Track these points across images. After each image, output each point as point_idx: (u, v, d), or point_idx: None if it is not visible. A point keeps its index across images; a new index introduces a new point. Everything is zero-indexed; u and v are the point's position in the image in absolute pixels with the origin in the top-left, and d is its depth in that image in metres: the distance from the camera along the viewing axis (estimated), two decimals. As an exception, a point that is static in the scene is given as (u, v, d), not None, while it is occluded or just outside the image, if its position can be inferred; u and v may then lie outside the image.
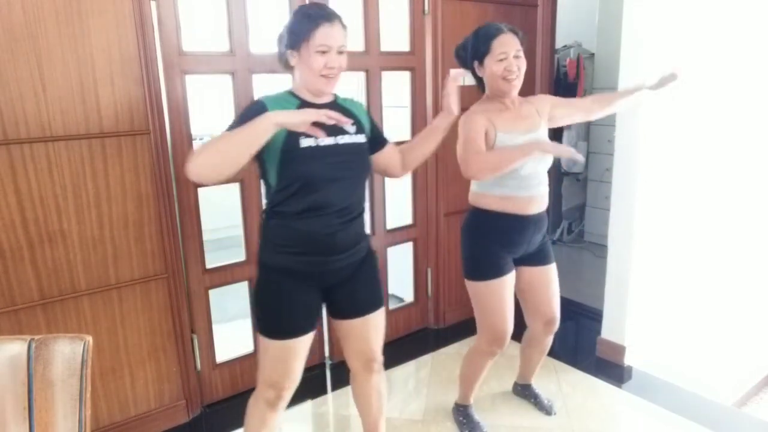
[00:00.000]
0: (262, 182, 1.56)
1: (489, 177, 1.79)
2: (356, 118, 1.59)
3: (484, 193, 1.89)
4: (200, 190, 2.25)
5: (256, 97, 1.61)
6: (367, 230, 1.72)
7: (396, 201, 2.95)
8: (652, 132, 2.45)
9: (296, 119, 1.34)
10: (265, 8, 2.38)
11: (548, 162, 1.88)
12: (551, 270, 2.03)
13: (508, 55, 1.77)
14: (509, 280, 1.93)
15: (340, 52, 1.47)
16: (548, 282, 2.03)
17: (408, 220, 2.96)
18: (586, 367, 2.65)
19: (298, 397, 2.44)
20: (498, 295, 1.91)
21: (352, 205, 1.56)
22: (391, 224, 2.88)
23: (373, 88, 2.64)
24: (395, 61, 2.72)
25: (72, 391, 1.09)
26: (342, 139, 1.52)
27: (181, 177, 2.17)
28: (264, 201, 1.59)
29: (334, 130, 1.46)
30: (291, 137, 1.43)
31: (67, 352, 1.10)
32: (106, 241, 1.99)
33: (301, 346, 1.58)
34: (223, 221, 2.95)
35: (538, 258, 2.00)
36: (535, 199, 1.87)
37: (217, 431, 2.26)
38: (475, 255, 1.93)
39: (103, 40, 1.87)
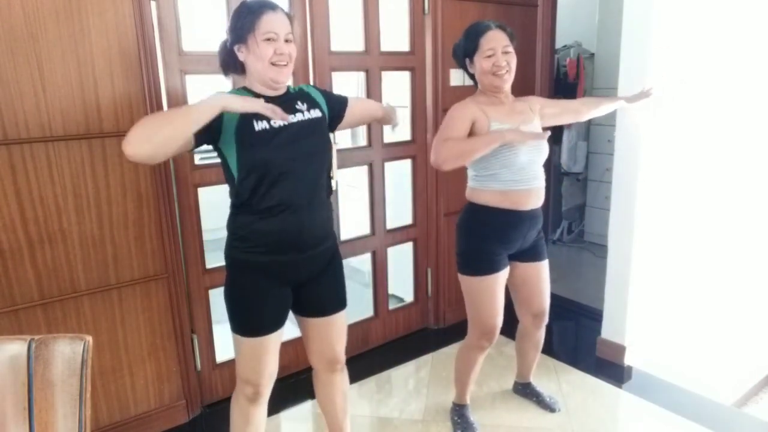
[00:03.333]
0: (226, 180, 1.55)
1: (454, 166, 1.79)
2: (307, 95, 1.62)
3: (482, 189, 1.90)
4: (200, 190, 2.25)
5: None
6: (339, 233, 1.74)
7: (396, 201, 2.95)
8: (652, 132, 2.45)
9: (240, 104, 1.36)
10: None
11: (545, 153, 1.90)
12: (544, 266, 2.07)
13: (496, 50, 1.80)
14: (502, 276, 1.96)
15: (288, 41, 1.47)
16: (540, 278, 2.06)
17: (408, 220, 2.96)
18: (586, 367, 2.65)
19: (299, 397, 2.45)
20: (490, 291, 1.94)
21: (315, 192, 1.56)
22: (391, 224, 2.88)
23: (373, 88, 2.64)
24: (395, 61, 2.72)
25: (72, 391, 1.09)
26: (294, 118, 1.52)
27: (181, 177, 2.18)
28: (229, 198, 1.58)
29: (286, 111, 1.47)
30: (244, 123, 1.44)
31: (67, 352, 1.10)
32: (106, 241, 1.99)
33: (273, 342, 1.60)
34: (223, 221, 2.94)
35: (532, 254, 2.02)
36: (532, 193, 1.89)
37: (217, 431, 2.26)
38: (470, 250, 1.95)
39: (103, 40, 1.87)
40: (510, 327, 2.27)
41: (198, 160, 2.30)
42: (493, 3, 2.89)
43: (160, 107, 2.04)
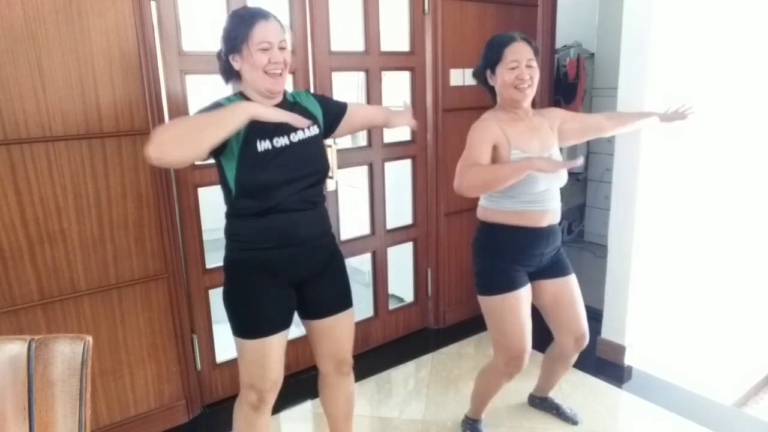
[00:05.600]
0: (222, 188, 1.56)
1: (479, 194, 1.74)
2: (307, 110, 1.61)
3: (496, 209, 1.82)
4: (200, 191, 2.25)
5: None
6: (335, 232, 1.77)
7: (396, 201, 2.95)
8: (652, 132, 2.45)
9: (269, 115, 1.37)
10: (265, 7, 2.37)
11: (563, 179, 1.82)
12: (572, 281, 1.95)
13: (520, 63, 1.72)
14: (524, 294, 1.85)
15: (282, 48, 1.47)
16: (572, 295, 1.94)
17: (408, 220, 2.96)
18: (586, 367, 2.65)
19: (299, 397, 2.45)
20: (514, 311, 1.83)
21: (312, 197, 1.57)
22: (391, 224, 2.88)
23: (373, 88, 2.64)
24: (395, 61, 2.72)
25: (72, 391, 1.09)
26: (296, 137, 1.53)
27: (181, 177, 2.18)
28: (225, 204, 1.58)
29: (288, 128, 1.48)
30: (248, 142, 1.45)
31: (67, 352, 1.10)
32: (106, 241, 1.99)
33: (276, 344, 1.57)
34: (223, 221, 2.95)
35: (555, 270, 1.92)
36: (548, 213, 1.82)
37: (217, 431, 2.26)
38: (488, 269, 1.86)
39: (103, 40, 1.87)
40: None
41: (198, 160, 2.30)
42: (493, 3, 2.89)
43: (160, 107, 2.04)
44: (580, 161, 1.61)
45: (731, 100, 2.81)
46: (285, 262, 1.55)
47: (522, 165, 1.62)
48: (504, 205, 1.80)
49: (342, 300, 1.69)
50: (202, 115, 1.37)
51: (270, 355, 1.57)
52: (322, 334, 1.69)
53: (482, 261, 1.88)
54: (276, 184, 1.48)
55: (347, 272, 1.73)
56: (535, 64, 1.76)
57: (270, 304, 1.56)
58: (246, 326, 1.56)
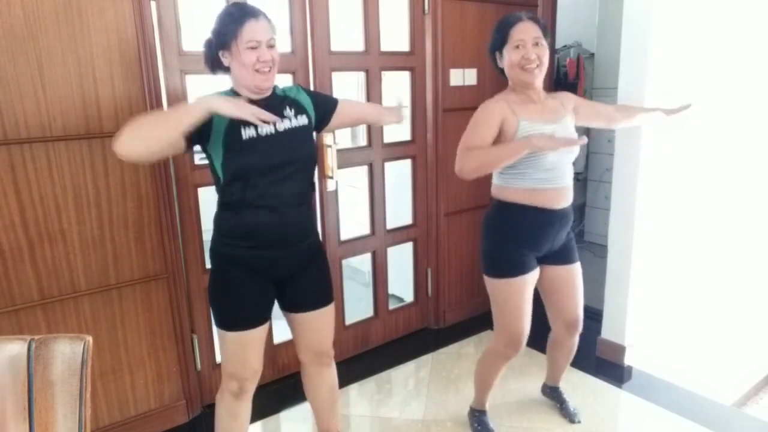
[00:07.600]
0: (213, 180, 1.60)
1: (478, 175, 1.72)
2: (296, 101, 1.63)
3: (508, 187, 1.80)
4: (200, 191, 2.25)
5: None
6: (319, 231, 1.82)
7: (396, 201, 2.95)
8: (652, 132, 2.45)
9: (228, 109, 1.38)
10: (264, 6, 2.37)
11: (574, 152, 1.80)
12: (576, 269, 1.95)
13: (526, 42, 1.71)
14: (531, 279, 1.85)
15: (271, 46, 1.50)
16: (572, 282, 1.95)
17: (408, 220, 2.96)
18: (586, 367, 2.65)
19: (299, 397, 2.45)
20: (518, 294, 1.83)
21: (299, 194, 1.59)
22: (391, 224, 2.88)
23: (373, 88, 2.64)
24: (395, 61, 2.72)
25: (72, 391, 1.09)
26: (281, 126, 1.55)
27: (181, 177, 2.18)
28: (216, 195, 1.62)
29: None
30: (232, 129, 1.48)
31: (67, 352, 1.10)
32: (106, 241, 1.99)
33: (256, 337, 1.63)
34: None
35: (562, 256, 1.92)
36: (562, 192, 1.79)
37: (217, 431, 2.26)
38: (497, 251, 1.85)
39: (103, 40, 1.87)
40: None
41: (198, 160, 2.29)
42: (493, 3, 2.89)
43: (160, 107, 2.03)
44: (584, 140, 1.61)
45: (731, 100, 2.81)
46: (267, 262, 1.60)
47: (519, 144, 1.63)
48: (516, 183, 1.78)
49: (322, 296, 1.73)
50: (162, 111, 1.43)
51: (250, 347, 1.63)
52: (301, 326, 1.75)
53: (491, 242, 1.87)
54: (260, 169, 1.50)
55: (329, 269, 1.77)
56: (543, 42, 1.74)
57: (251, 298, 1.60)
58: (228, 319, 1.61)
